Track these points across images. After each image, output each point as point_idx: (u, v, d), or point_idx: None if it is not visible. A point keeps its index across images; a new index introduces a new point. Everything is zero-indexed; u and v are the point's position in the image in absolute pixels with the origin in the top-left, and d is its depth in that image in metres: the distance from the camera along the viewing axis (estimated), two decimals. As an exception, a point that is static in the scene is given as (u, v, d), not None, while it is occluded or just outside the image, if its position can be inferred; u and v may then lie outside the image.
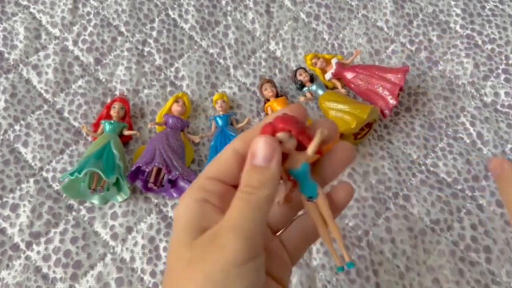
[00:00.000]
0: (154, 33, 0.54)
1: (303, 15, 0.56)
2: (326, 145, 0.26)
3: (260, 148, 0.23)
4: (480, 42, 0.55)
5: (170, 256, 0.23)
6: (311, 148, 0.24)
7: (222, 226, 0.22)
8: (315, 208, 0.25)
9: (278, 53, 0.54)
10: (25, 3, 0.54)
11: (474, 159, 0.48)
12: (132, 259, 0.42)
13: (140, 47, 0.53)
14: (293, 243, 0.28)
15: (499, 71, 0.54)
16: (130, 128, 0.48)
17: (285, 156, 0.24)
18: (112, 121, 0.46)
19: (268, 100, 0.50)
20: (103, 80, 0.50)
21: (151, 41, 0.53)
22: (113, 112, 0.47)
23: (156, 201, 0.45)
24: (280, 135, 0.23)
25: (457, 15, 0.57)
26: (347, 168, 0.47)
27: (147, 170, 0.43)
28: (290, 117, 0.24)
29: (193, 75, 0.52)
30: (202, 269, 0.21)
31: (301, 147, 0.24)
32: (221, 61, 0.53)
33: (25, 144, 0.46)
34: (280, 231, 0.28)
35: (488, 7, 0.58)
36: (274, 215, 0.28)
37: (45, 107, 0.48)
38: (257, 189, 0.23)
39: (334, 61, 0.51)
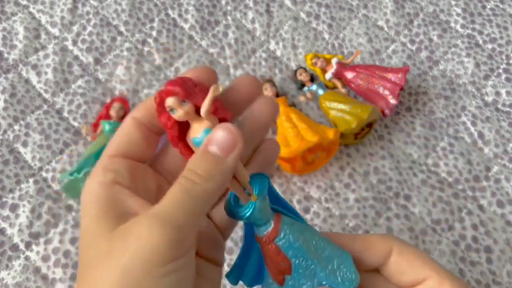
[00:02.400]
0: (154, 33, 0.53)
1: (303, 15, 0.56)
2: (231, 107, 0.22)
3: (221, 135, 0.20)
4: (480, 42, 0.55)
5: (83, 250, 0.20)
6: (202, 109, 0.20)
7: (149, 213, 0.18)
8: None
9: (278, 53, 0.54)
10: (24, 2, 0.54)
11: (475, 159, 0.48)
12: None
13: (140, 46, 0.53)
14: (223, 218, 0.25)
15: (500, 70, 0.53)
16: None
17: (187, 126, 0.21)
18: (111, 121, 0.46)
19: (268, 100, 0.50)
20: (103, 80, 0.50)
21: (150, 40, 0.53)
22: (112, 112, 0.47)
23: (156, 201, 0.45)
24: (168, 100, 0.20)
25: (458, 14, 0.57)
26: (347, 168, 0.47)
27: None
28: (179, 78, 0.20)
29: (193, 75, 0.51)
30: (122, 263, 0.18)
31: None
32: (221, 60, 0.53)
33: (25, 144, 0.46)
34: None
35: (488, 6, 0.58)
36: None
37: (45, 107, 0.48)
38: (203, 179, 0.19)
39: (334, 60, 0.51)
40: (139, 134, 0.21)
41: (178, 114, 0.20)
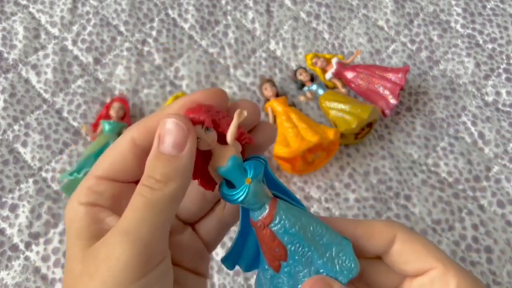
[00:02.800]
0: (154, 33, 0.53)
1: (303, 15, 0.56)
2: (251, 129, 0.22)
3: (169, 131, 0.19)
4: (481, 42, 0.55)
5: (64, 271, 0.20)
6: (229, 135, 0.19)
7: (114, 231, 0.18)
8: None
9: (278, 53, 0.54)
10: (24, 2, 0.54)
11: (475, 159, 0.48)
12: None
13: (139, 46, 0.53)
14: (209, 232, 0.24)
15: (500, 70, 0.53)
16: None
17: (209, 155, 0.20)
18: (111, 121, 0.46)
19: (268, 99, 0.50)
20: (103, 80, 0.50)
21: (150, 40, 0.53)
22: (112, 112, 0.47)
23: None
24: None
25: (458, 14, 0.57)
26: (347, 168, 0.47)
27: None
28: (201, 105, 0.20)
29: (192, 75, 0.51)
30: (93, 285, 0.17)
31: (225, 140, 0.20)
32: (221, 60, 0.53)
33: (24, 144, 0.46)
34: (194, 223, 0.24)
35: (489, 6, 0.58)
36: (185, 208, 0.24)
37: (44, 107, 0.48)
38: (162, 183, 0.18)
39: (334, 60, 0.51)
40: (134, 158, 0.20)
41: (203, 144, 0.19)
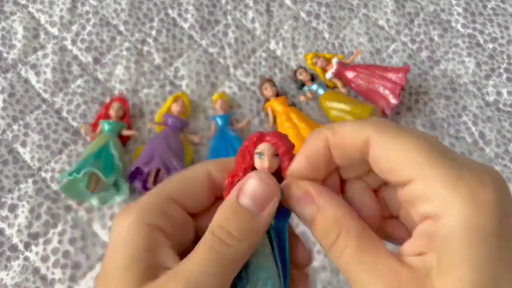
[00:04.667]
0: (154, 33, 0.53)
1: (303, 14, 0.56)
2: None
3: (254, 185, 0.17)
4: (481, 41, 0.55)
5: None
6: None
7: (177, 278, 0.16)
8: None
9: (278, 53, 0.54)
10: (23, 2, 0.54)
11: (476, 159, 0.48)
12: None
13: (139, 46, 0.52)
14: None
15: (501, 70, 0.53)
16: (129, 128, 0.47)
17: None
18: (111, 121, 0.46)
19: (268, 99, 0.49)
20: (102, 79, 0.50)
21: (150, 40, 0.53)
22: (112, 112, 0.46)
23: (155, 201, 0.45)
24: (263, 145, 0.19)
25: (459, 14, 0.57)
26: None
27: (146, 170, 0.43)
28: (286, 136, 0.20)
29: (192, 75, 0.51)
30: None
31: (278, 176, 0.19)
32: (221, 60, 0.53)
33: (24, 144, 0.46)
34: None
35: (489, 6, 0.58)
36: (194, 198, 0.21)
37: (44, 107, 0.48)
38: (236, 240, 0.17)
39: (334, 60, 0.51)
40: (207, 190, 0.19)
41: (264, 163, 0.19)
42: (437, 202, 0.15)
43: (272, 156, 0.19)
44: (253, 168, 0.19)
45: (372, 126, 0.17)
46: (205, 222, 0.19)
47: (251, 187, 0.17)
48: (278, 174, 0.19)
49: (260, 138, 0.19)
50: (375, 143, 0.17)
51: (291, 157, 0.19)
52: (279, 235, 0.20)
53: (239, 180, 0.19)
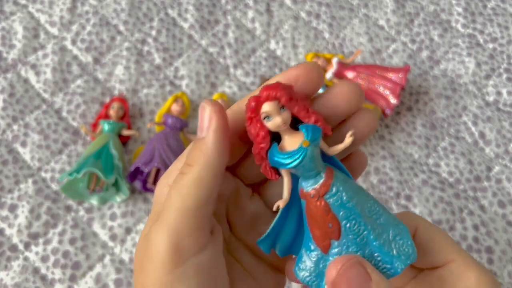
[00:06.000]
0: (153, 32, 0.53)
1: (303, 14, 0.56)
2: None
3: (200, 116, 0.19)
4: (481, 41, 0.55)
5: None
6: (335, 150, 0.19)
7: (156, 223, 0.18)
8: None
9: (278, 52, 0.54)
10: (23, 2, 0.54)
11: (476, 159, 0.48)
12: (131, 260, 0.42)
13: (139, 46, 0.52)
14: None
15: (501, 70, 0.53)
16: (129, 128, 0.47)
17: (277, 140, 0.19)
18: (111, 121, 0.46)
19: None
20: (102, 79, 0.50)
21: (150, 40, 0.53)
22: (112, 112, 0.46)
23: (155, 201, 0.45)
24: (266, 105, 0.18)
25: (459, 14, 0.57)
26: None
27: (146, 170, 0.43)
28: (278, 83, 0.18)
29: (192, 75, 0.51)
30: (141, 282, 0.18)
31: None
32: (221, 60, 0.52)
33: (24, 144, 0.46)
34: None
35: (489, 6, 0.57)
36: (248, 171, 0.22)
37: (44, 107, 0.48)
38: (187, 167, 0.18)
39: (335, 60, 0.51)
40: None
41: (276, 121, 0.18)
42: (474, 279, 0.20)
43: (279, 110, 0.18)
44: (270, 132, 0.19)
45: (419, 216, 0.22)
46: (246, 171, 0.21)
47: (199, 118, 0.19)
48: (297, 121, 0.19)
49: (257, 100, 0.18)
50: (424, 228, 0.21)
51: (297, 98, 0.18)
52: (330, 160, 0.19)
53: (266, 150, 0.18)
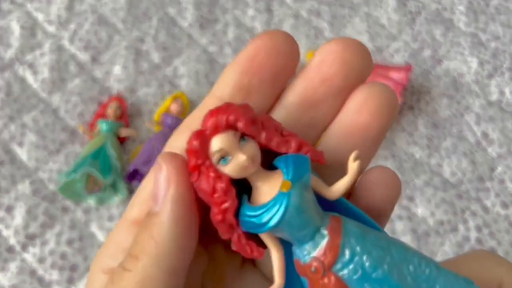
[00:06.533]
0: (152, 31, 0.53)
1: (303, 12, 0.56)
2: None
3: (154, 179, 0.14)
4: (484, 40, 0.55)
5: None
6: (339, 189, 0.12)
7: None
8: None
9: (278, 51, 0.53)
10: (20, 1, 0.53)
11: (478, 159, 0.47)
12: (130, 261, 0.42)
13: (137, 45, 0.52)
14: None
15: (504, 69, 0.53)
16: (127, 128, 0.47)
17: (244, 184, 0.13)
18: (108, 121, 0.46)
19: (268, 99, 0.49)
20: (100, 78, 0.50)
21: (149, 39, 0.52)
22: (109, 112, 0.46)
23: (154, 202, 0.44)
24: (216, 141, 0.12)
25: (461, 12, 0.56)
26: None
27: (145, 171, 0.42)
28: (228, 104, 0.13)
29: (191, 74, 0.51)
30: None
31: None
32: (221, 59, 0.52)
33: (21, 144, 0.46)
34: None
35: (492, 4, 0.57)
36: None
37: (41, 106, 0.48)
38: (134, 261, 0.13)
39: (335, 59, 0.50)
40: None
41: (237, 161, 0.12)
42: None
43: (238, 143, 0.12)
44: (232, 181, 0.13)
45: (504, 267, 0.16)
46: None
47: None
48: (267, 151, 0.13)
49: (201, 136, 0.12)
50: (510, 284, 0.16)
51: (261, 119, 0.13)
52: (337, 207, 0.14)
53: (233, 211, 0.13)
